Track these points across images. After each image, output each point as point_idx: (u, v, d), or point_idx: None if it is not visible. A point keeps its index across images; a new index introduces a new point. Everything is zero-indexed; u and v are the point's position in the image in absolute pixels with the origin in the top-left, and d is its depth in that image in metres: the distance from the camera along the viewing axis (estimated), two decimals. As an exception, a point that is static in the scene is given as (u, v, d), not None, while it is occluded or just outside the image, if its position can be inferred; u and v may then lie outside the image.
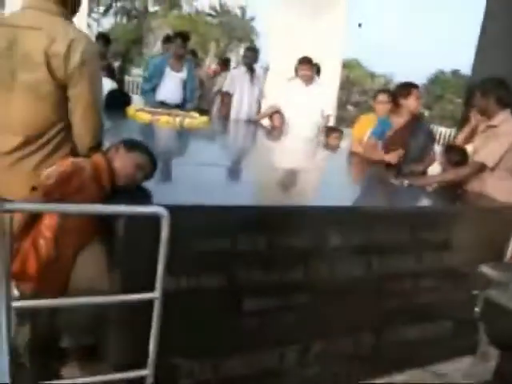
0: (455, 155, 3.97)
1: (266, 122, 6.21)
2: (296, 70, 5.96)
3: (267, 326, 2.51)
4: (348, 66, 43.18)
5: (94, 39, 7.77)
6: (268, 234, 2.37)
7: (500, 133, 3.64)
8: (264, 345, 2.56)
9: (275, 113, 5.83)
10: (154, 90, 6.11)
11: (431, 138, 4.26)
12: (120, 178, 2.21)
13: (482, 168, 3.65)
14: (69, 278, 2.13)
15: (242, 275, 2.35)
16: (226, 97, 6.50)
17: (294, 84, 5.89)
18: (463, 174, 3.74)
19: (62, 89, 2.17)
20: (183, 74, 6.09)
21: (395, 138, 4.13)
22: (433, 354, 3.27)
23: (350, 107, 28.75)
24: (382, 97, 4.86)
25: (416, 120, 4.15)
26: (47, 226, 2.05)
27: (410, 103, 4.10)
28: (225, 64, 8.84)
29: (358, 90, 37.69)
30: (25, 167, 2.24)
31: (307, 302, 2.60)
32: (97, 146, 2.38)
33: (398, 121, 4.17)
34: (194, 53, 7.20)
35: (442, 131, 19.65)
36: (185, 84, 6.12)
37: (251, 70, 6.45)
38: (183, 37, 6.02)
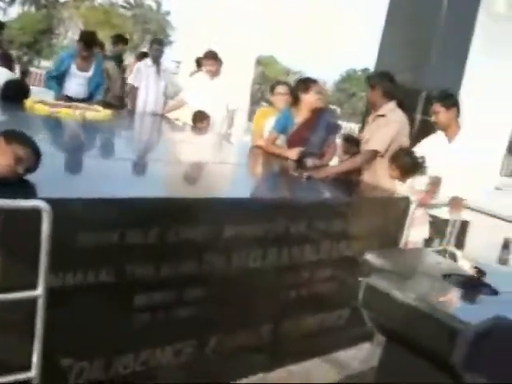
0: (352, 145, 4.15)
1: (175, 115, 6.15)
2: (199, 64, 5.97)
3: (161, 321, 2.47)
4: (264, 62, 43.71)
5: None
6: (159, 226, 2.32)
7: (387, 121, 3.93)
8: (158, 341, 2.51)
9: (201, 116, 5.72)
10: (60, 84, 5.90)
11: (333, 129, 4.34)
12: (0, 170, 2.09)
13: (373, 156, 3.87)
14: None
15: (131, 270, 2.28)
16: (133, 90, 6.37)
17: (198, 77, 5.89)
18: (357, 163, 3.92)
19: None
20: (89, 73, 5.93)
21: (297, 134, 4.18)
22: (331, 342, 3.34)
23: (264, 103, 29.02)
24: (281, 88, 4.77)
25: (317, 114, 4.21)
26: None
27: (310, 98, 4.15)
28: (143, 58, 8.65)
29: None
30: None
31: (202, 295, 2.57)
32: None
33: (299, 116, 4.22)
34: (102, 46, 6.97)
35: (352, 127, 20.30)
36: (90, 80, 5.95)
37: (157, 63, 6.35)
38: (86, 41, 5.80)
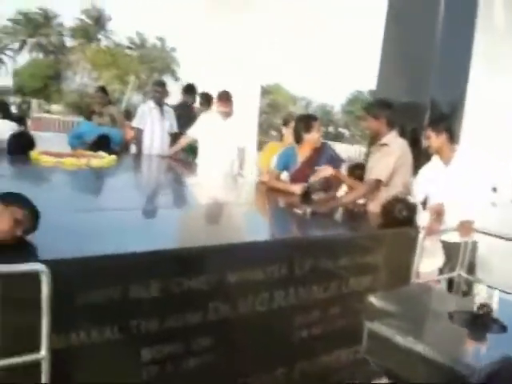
0: (358, 171, 4.16)
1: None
2: (208, 101, 5.99)
3: (170, 373, 2.43)
4: (270, 90, 44.05)
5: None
6: (161, 278, 2.31)
7: (390, 151, 3.93)
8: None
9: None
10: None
11: (336, 162, 4.34)
12: (-1, 234, 2.09)
13: (377, 185, 3.84)
14: None
15: (136, 324, 2.27)
16: (138, 132, 6.43)
17: (210, 117, 5.87)
18: (361, 194, 3.91)
19: None
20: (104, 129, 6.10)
21: (300, 172, 4.20)
22: (349, 378, 3.28)
23: (273, 132, 28.98)
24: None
25: (319, 150, 4.22)
26: None
27: (311, 137, 4.19)
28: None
29: (281, 114, 38.29)
30: None
31: (211, 344, 2.54)
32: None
33: (303, 153, 4.24)
34: (103, 90, 7.10)
35: (362, 150, 20.30)
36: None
37: (160, 104, 6.42)
38: None
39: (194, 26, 11.71)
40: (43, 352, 1.95)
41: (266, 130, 26.11)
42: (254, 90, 10.99)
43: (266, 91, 32.99)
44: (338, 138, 29.35)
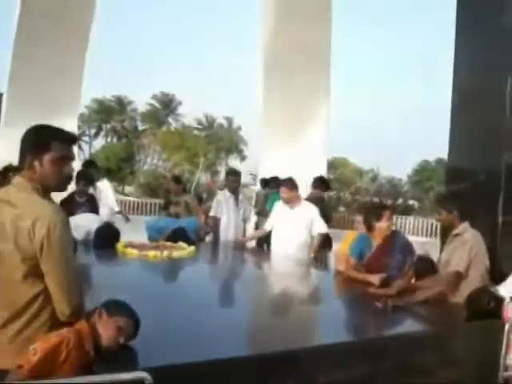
0: (424, 264, 4.17)
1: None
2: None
3: None
4: (336, 164, 44.32)
5: (83, 162, 8.11)
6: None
7: (463, 241, 4.04)
8: None
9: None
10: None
11: (409, 250, 4.36)
12: (103, 342, 2.25)
13: (457, 277, 3.85)
14: None
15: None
16: (214, 221, 6.67)
17: (279, 206, 5.96)
18: (443, 288, 3.88)
19: (31, 261, 2.17)
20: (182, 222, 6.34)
21: (375, 260, 4.23)
22: None
23: (341, 208, 28.82)
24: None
25: (390, 238, 4.30)
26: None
27: (382, 225, 4.27)
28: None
29: (348, 189, 38.20)
30: (3, 337, 2.18)
31: None
32: (76, 311, 2.37)
33: (375, 241, 4.31)
34: (178, 179, 7.50)
35: (434, 223, 19.90)
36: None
37: (235, 193, 6.68)
38: None
39: (256, 103, 12.11)
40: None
41: (334, 206, 26.04)
42: (321, 164, 11.04)
43: (331, 165, 33.20)
44: (408, 211, 28.85)
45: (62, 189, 2.45)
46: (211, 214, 6.72)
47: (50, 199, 2.33)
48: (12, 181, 2.40)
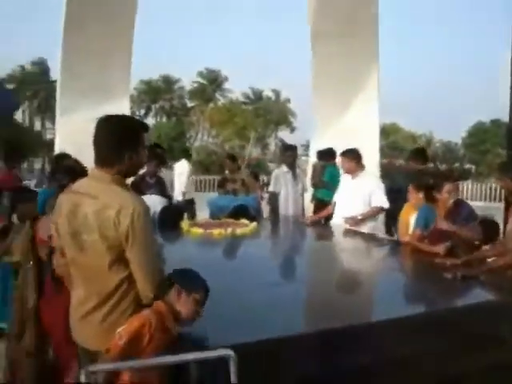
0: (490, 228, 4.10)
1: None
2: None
3: None
4: (388, 130, 43.38)
5: (150, 144, 8.30)
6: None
7: None
8: None
9: None
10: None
11: (472, 217, 4.30)
12: (183, 317, 2.32)
13: None
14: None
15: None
16: (273, 197, 6.75)
17: (343, 177, 5.95)
18: None
19: (116, 249, 2.28)
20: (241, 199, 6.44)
21: (438, 230, 4.20)
22: None
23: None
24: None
25: (456, 207, 4.26)
26: (126, 382, 2.18)
27: (443, 197, 4.26)
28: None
29: (402, 156, 37.48)
30: (94, 319, 2.34)
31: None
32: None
33: (439, 212, 4.28)
34: (232, 157, 7.60)
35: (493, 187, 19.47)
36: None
37: (293, 168, 6.72)
38: None
39: (306, 75, 11.87)
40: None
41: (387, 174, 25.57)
42: (374, 132, 10.79)
43: (383, 131, 32.60)
44: (465, 175, 28.14)
45: (134, 175, 2.66)
46: (270, 189, 6.78)
47: (127, 188, 2.43)
48: (89, 173, 2.53)
